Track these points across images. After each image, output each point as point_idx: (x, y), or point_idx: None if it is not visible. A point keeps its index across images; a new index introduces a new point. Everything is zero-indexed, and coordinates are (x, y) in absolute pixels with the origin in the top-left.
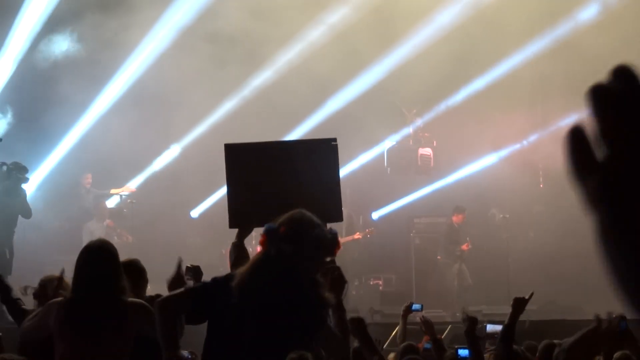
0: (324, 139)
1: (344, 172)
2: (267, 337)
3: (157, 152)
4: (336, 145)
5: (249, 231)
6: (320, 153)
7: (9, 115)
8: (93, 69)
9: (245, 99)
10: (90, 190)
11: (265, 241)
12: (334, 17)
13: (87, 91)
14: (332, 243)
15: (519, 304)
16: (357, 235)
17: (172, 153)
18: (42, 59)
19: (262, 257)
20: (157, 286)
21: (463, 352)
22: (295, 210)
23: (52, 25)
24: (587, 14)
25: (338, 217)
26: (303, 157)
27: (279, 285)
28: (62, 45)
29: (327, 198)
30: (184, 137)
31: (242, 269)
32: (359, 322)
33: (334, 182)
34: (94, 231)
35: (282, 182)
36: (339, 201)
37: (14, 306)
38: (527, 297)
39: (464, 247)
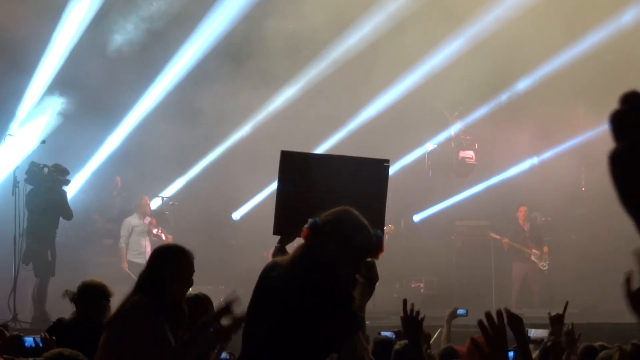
0: (377, 159)
1: None
2: (292, 331)
3: (199, 156)
4: (388, 166)
5: (292, 239)
6: (371, 173)
7: (57, 115)
8: (137, 70)
9: (288, 102)
10: (120, 194)
11: (309, 236)
12: (376, 20)
13: (130, 94)
14: (376, 246)
15: (558, 322)
16: None
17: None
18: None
19: (305, 251)
20: (199, 288)
21: (509, 354)
22: (341, 208)
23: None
24: (630, 15)
25: None
26: (353, 174)
27: (317, 281)
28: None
29: (371, 217)
30: (225, 141)
31: (283, 260)
32: (518, 321)
33: (380, 203)
34: (135, 226)
35: (329, 196)
36: (382, 222)
37: None
38: (562, 312)
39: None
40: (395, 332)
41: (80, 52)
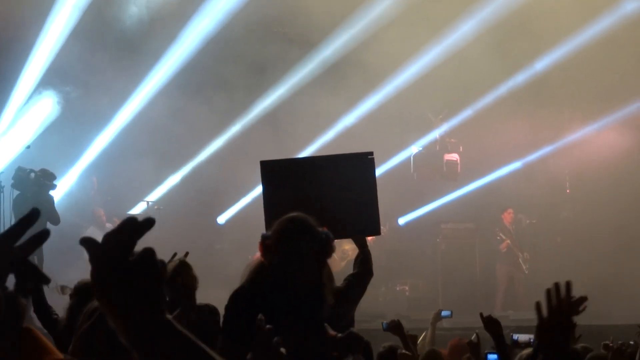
0: (360, 153)
1: None
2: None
3: (184, 160)
4: (372, 159)
5: None
6: (357, 167)
7: (41, 120)
8: (122, 73)
9: (272, 104)
10: (104, 197)
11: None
12: (360, 23)
13: (114, 97)
14: (321, 250)
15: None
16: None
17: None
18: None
19: (257, 267)
20: None
21: (492, 357)
22: (287, 216)
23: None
24: (613, 19)
25: (376, 231)
26: (339, 172)
27: (269, 297)
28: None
29: (365, 212)
30: (210, 144)
31: (243, 278)
32: (496, 325)
33: (371, 196)
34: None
35: (318, 198)
36: (376, 215)
37: (48, 316)
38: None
39: (502, 246)
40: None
41: (65, 55)
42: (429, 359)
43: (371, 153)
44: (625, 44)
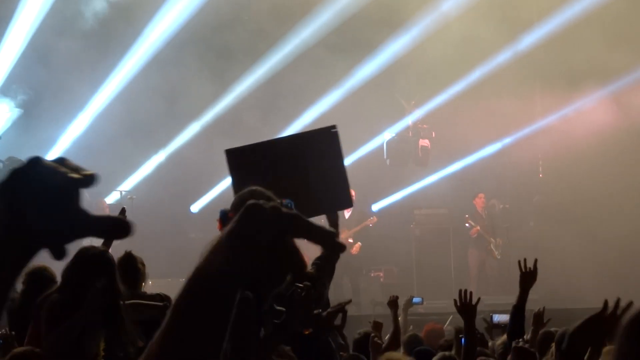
0: (323, 127)
1: None
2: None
3: (156, 149)
4: (336, 131)
5: None
6: (322, 142)
7: (15, 107)
8: (94, 60)
9: (243, 93)
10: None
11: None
12: (333, 8)
13: (86, 85)
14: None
15: (527, 279)
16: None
17: (160, 157)
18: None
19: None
20: (159, 281)
21: None
22: (246, 189)
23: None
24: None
25: (348, 203)
26: (305, 150)
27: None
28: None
29: (335, 186)
30: (181, 133)
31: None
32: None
33: (339, 169)
34: None
35: (288, 179)
36: (347, 188)
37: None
38: (533, 266)
39: (472, 232)
40: None
41: (36, 45)
42: (410, 342)
43: (334, 126)
44: (599, 26)
